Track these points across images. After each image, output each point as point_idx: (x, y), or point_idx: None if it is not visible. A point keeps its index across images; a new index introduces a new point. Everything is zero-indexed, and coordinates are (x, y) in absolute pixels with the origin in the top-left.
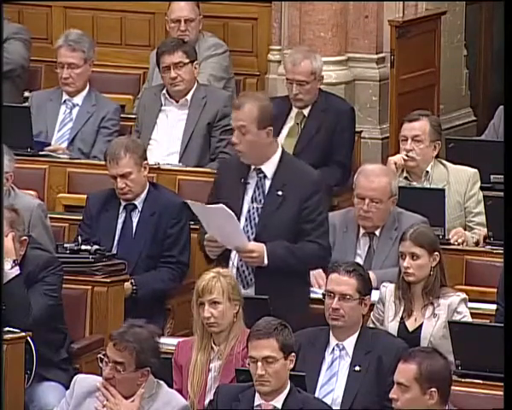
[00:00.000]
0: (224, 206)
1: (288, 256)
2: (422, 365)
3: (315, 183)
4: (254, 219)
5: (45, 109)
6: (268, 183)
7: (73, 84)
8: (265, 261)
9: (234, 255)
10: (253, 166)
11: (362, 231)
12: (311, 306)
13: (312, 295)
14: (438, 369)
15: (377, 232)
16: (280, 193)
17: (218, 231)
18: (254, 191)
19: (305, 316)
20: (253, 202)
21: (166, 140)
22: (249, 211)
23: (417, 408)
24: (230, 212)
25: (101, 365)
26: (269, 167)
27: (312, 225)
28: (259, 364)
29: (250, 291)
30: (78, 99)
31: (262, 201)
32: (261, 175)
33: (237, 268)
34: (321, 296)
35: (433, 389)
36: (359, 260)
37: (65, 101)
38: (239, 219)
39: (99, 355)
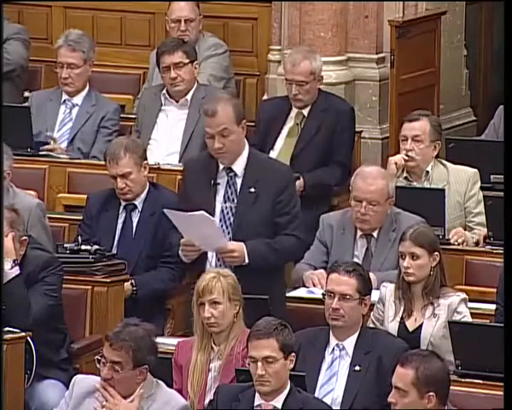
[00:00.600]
0: (204, 212)
1: (269, 252)
2: (419, 369)
3: (286, 176)
4: (229, 218)
5: (45, 109)
6: (239, 181)
7: (73, 85)
8: (246, 260)
9: (211, 257)
10: (221, 166)
11: (359, 232)
12: (312, 306)
13: (312, 295)
14: (435, 372)
15: (375, 234)
16: (253, 190)
17: (196, 236)
18: (226, 191)
19: (284, 313)
20: (225, 202)
21: (166, 140)
22: (222, 211)
23: None
24: (210, 217)
25: (98, 366)
26: (238, 165)
27: (288, 218)
28: (259, 364)
29: None
30: (78, 99)
31: (235, 199)
32: (231, 174)
33: (215, 267)
34: (321, 296)
35: (431, 393)
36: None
37: (64, 101)
38: None
39: (96, 357)
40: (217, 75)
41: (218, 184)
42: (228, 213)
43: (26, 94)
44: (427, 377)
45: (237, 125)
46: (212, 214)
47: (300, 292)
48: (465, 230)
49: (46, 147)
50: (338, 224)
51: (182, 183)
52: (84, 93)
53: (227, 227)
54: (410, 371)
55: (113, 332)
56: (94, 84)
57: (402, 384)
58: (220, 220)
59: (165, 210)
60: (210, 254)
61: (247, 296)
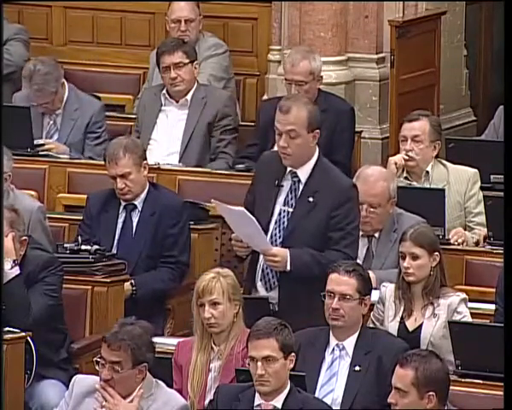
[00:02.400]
0: (244, 209)
1: (313, 264)
2: (419, 369)
3: (347, 191)
4: (284, 222)
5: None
6: (301, 187)
7: (52, 109)
8: (288, 267)
9: (261, 257)
10: (288, 169)
11: (361, 232)
12: None
13: None
14: (435, 372)
15: (376, 234)
16: (311, 199)
17: (243, 232)
18: (287, 195)
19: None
20: (284, 206)
21: (166, 140)
22: (280, 214)
23: None
24: (250, 216)
25: (97, 368)
26: (304, 172)
27: (341, 234)
28: (259, 363)
29: (273, 294)
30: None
31: (293, 205)
32: (296, 179)
33: (262, 270)
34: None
35: (431, 393)
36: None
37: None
38: (269, 221)
39: (94, 359)
40: (217, 75)
41: (282, 186)
42: (284, 216)
43: None
44: (427, 377)
45: (307, 131)
46: (271, 215)
47: None
48: (465, 230)
49: (45, 147)
50: None
51: (253, 175)
52: (64, 98)
53: (280, 231)
54: (410, 372)
55: (111, 333)
56: (94, 84)
57: (402, 385)
58: (276, 222)
59: (213, 201)
60: (261, 254)
61: (247, 296)
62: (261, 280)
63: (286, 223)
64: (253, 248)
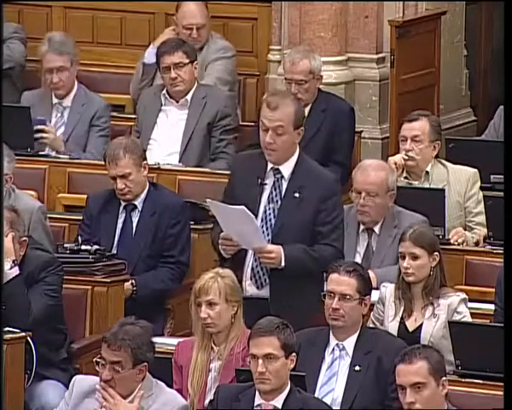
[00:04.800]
0: (244, 207)
1: (306, 259)
2: (429, 359)
3: (332, 185)
4: (270, 220)
5: (37, 114)
6: (285, 184)
7: (64, 87)
8: (283, 263)
9: (249, 256)
10: (269, 166)
11: (361, 227)
12: None
13: None
14: (440, 359)
15: (376, 230)
16: (297, 195)
17: (235, 232)
18: (271, 192)
19: (318, 317)
20: (269, 203)
21: (166, 140)
22: (265, 212)
23: (435, 404)
24: (251, 214)
25: (97, 368)
26: (286, 168)
27: (329, 228)
28: (260, 361)
29: (264, 292)
30: (68, 101)
31: (279, 202)
32: (278, 176)
33: (252, 268)
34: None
35: (444, 378)
36: (358, 258)
37: (55, 104)
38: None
39: (95, 359)
40: (223, 78)
41: (265, 184)
42: (270, 214)
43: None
44: (438, 364)
45: (294, 128)
46: (256, 214)
47: None
48: (465, 230)
49: (42, 135)
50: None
51: (229, 177)
52: (72, 93)
53: (267, 228)
54: (423, 363)
55: (111, 333)
56: (94, 84)
57: (419, 378)
58: (262, 220)
59: (207, 200)
60: (249, 253)
61: (247, 296)
62: (251, 279)
63: (273, 220)
64: (244, 246)
